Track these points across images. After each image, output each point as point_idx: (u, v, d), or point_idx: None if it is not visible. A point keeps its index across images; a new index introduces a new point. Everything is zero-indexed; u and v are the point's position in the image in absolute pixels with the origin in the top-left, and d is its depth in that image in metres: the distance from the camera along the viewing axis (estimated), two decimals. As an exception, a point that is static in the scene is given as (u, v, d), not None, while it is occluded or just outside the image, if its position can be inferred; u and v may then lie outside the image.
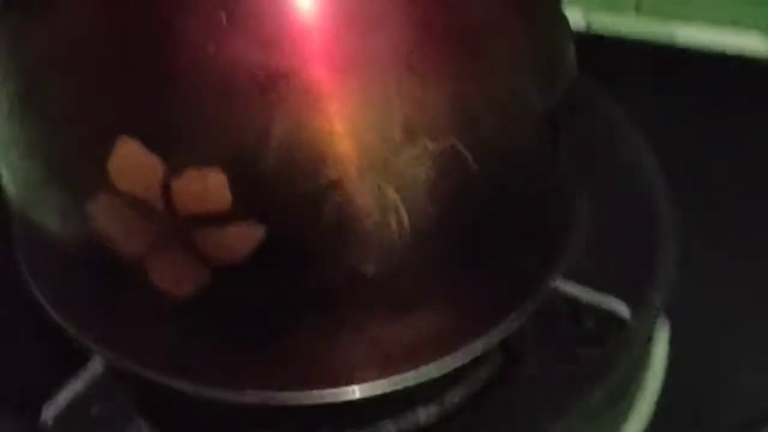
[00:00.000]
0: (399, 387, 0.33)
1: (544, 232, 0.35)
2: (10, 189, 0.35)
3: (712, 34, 0.57)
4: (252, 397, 0.33)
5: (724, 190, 0.47)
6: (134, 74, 0.29)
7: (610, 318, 0.36)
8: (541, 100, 0.33)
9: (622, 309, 0.36)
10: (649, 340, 0.38)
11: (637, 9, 0.59)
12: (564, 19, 0.35)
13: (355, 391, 0.33)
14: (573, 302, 0.37)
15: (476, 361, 0.37)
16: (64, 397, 0.33)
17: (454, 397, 0.37)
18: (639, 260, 0.38)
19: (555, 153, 0.34)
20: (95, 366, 0.34)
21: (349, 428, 0.36)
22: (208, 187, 0.29)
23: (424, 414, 0.36)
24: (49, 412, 0.33)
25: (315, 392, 0.32)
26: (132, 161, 0.29)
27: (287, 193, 0.29)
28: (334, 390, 0.33)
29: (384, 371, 0.33)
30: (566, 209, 0.37)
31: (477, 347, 0.33)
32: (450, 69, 0.29)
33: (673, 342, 0.42)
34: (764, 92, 0.53)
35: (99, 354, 0.34)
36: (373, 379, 0.33)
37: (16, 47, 0.31)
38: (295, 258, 0.30)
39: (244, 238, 0.30)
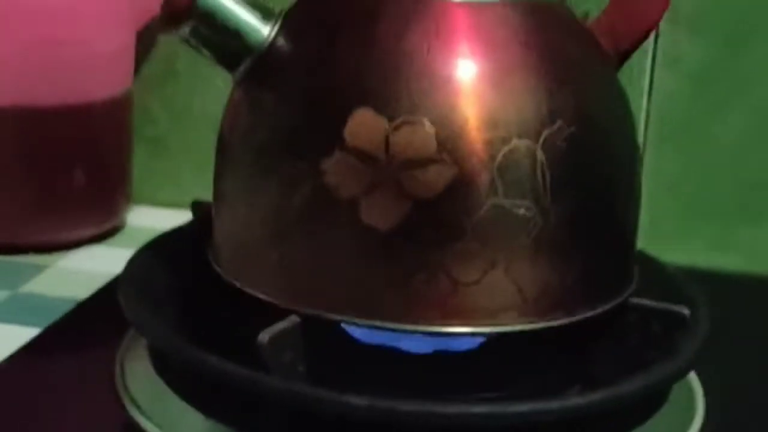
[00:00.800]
0: (536, 327, 0.44)
1: (627, 248, 0.49)
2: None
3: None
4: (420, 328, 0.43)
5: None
6: (364, 62, 0.44)
7: (673, 318, 0.48)
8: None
9: (682, 309, 0.48)
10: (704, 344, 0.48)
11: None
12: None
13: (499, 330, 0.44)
14: (641, 309, 0.48)
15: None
16: (277, 327, 0.43)
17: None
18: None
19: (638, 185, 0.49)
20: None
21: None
22: (419, 137, 0.42)
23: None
24: (265, 336, 0.43)
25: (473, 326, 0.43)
26: (363, 123, 0.43)
27: (472, 143, 0.42)
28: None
29: (522, 315, 0.44)
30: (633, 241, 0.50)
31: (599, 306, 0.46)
32: (574, 81, 0.45)
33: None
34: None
35: (296, 313, 0.44)
36: (514, 319, 0.44)
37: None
38: (473, 194, 0.42)
39: (440, 175, 0.42)
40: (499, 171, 0.43)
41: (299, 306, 0.45)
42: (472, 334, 0.44)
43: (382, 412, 0.41)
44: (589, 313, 0.46)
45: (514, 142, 0.43)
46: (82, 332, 0.60)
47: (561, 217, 0.44)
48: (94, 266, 0.69)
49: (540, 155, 0.43)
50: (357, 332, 0.48)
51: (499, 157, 0.43)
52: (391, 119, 0.43)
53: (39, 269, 0.68)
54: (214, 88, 0.77)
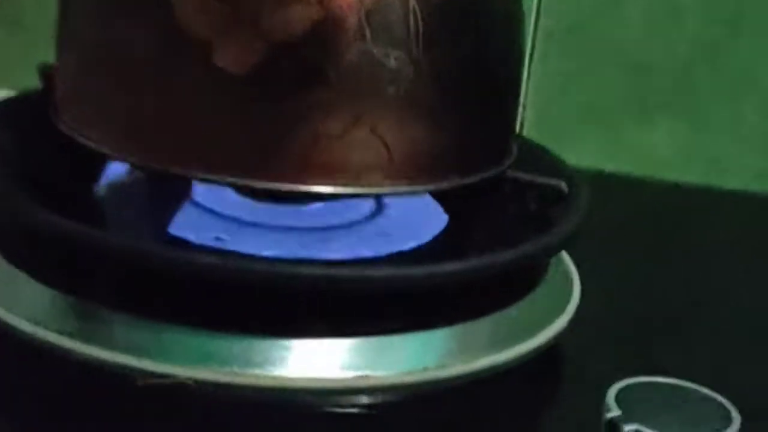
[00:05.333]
0: (402, 191, 0.40)
1: (506, 116, 0.45)
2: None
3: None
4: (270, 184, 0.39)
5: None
6: None
7: (551, 192, 0.45)
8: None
9: (561, 183, 0.45)
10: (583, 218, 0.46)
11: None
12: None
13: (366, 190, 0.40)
14: (518, 182, 0.46)
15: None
16: (116, 179, 0.39)
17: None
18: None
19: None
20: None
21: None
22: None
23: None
24: (101, 187, 0.39)
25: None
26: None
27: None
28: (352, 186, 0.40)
29: (388, 177, 0.40)
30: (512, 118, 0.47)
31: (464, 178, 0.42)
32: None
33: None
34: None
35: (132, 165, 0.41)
36: (379, 180, 0.40)
37: None
38: (338, 39, 0.39)
39: (303, 16, 0.38)
40: (367, 15, 0.39)
41: (145, 160, 0.41)
42: (333, 195, 0.40)
43: (230, 272, 0.38)
44: (462, 181, 0.43)
45: (385, -15, 0.40)
46: None
47: (434, 73, 0.40)
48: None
49: (413, 2, 0.40)
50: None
51: (366, 3, 0.39)
52: (250, -49, 0.39)
53: None
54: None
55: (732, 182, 0.70)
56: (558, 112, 0.72)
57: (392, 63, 0.40)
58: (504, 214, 0.46)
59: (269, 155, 0.40)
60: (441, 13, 0.40)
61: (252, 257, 0.38)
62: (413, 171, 0.41)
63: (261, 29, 0.38)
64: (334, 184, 0.40)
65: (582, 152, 0.72)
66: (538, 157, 0.51)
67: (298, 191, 0.40)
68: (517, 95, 0.46)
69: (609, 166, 0.70)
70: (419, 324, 0.40)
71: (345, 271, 0.38)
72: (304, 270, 0.38)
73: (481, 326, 0.42)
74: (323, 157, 0.40)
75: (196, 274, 0.37)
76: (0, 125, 0.48)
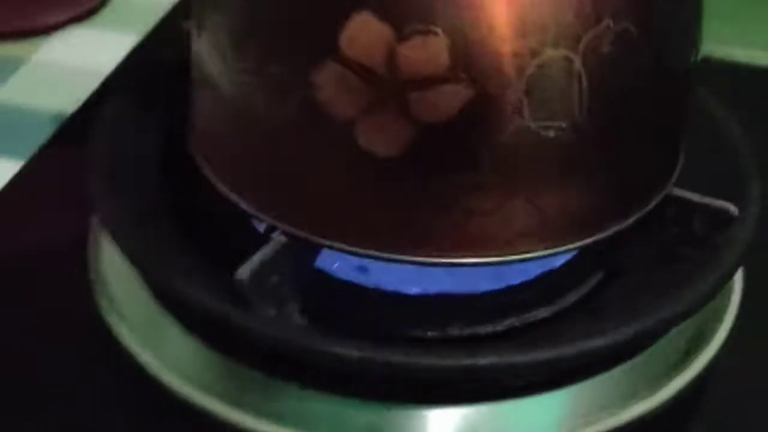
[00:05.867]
0: (555, 252, 0.38)
1: (670, 137, 0.42)
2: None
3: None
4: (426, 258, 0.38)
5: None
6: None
7: (719, 215, 0.42)
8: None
9: (730, 206, 0.42)
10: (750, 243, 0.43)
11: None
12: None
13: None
14: (682, 203, 0.43)
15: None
16: (257, 259, 0.38)
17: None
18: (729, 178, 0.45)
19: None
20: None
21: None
22: (430, 51, 0.34)
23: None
24: (244, 272, 0.37)
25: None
26: (363, 30, 0.34)
27: (493, 57, 0.35)
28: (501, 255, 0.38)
29: (543, 240, 0.38)
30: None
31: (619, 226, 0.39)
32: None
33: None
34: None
35: (281, 228, 0.39)
36: (534, 245, 0.38)
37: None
38: (490, 120, 0.35)
39: (454, 97, 0.35)
40: (526, 89, 0.35)
41: (284, 223, 0.39)
42: (482, 264, 0.38)
43: (373, 366, 0.36)
44: (622, 226, 0.40)
45: (548, 52, 0.35)
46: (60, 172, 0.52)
47: (598, 133, 0.36)
48: (76, 57, 0.62)
49: (578, 66, 0.35)
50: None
51: (527, 73, 0.35)
52: (397, 27, 0.34)
53: (13, 65, 0.61)
54: None
55: None
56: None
57: (552, 134, 0.36)
58: (656, 232, 0.43)
59: (415, 234, 0.37)
60: (610, 68, 0.36)
61: (394, 347, 0.37)
62: (569, 229, 0.38)
63: (408, 111, 0.35)
64: (484, 256, 0.38)
65: (754, 41, 0.65)
66: (707, 135, 0.46)
67: (444, 263, 0.38)
68: (689, 104, 0.42)
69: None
70: (558, 381, 0.39)
71: (491, 360, 0.36)
72: (447, 363, 0.37)
73: (630, 368, 0.40)
74: (473, 232, 0.37)
75: (341, 365, 0.37)
76: (134, 124, 0.46)
